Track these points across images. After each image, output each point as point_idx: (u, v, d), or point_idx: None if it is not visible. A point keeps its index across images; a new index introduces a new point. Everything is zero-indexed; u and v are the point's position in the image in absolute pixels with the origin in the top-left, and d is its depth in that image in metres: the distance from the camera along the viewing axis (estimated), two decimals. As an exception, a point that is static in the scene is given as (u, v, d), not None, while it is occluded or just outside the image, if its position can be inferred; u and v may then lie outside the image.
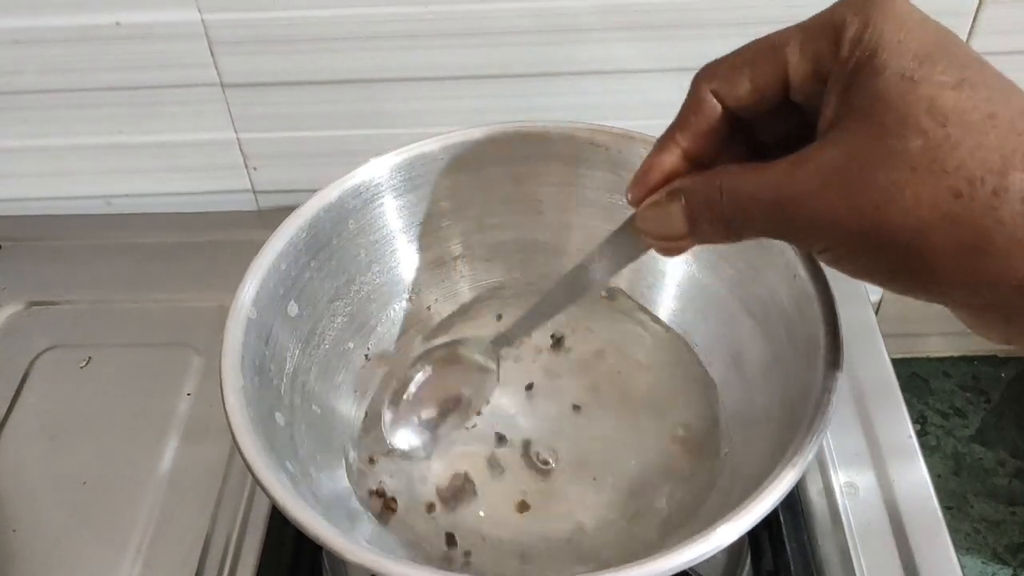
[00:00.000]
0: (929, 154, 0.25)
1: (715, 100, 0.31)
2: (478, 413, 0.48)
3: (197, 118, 0.65)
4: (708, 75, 0.31)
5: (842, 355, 0.37)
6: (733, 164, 0.30)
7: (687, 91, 0.32)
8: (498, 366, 0.46)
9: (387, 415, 0.46)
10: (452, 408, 0.47)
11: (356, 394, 0.48)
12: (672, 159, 0.32)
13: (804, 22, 0.29)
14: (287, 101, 0.63)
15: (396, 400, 0.46)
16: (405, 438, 0.46)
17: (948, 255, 0.26)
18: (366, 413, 0.48)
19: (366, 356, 0.49)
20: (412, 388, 0.47)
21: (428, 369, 0.47)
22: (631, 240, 0.35)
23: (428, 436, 0.46)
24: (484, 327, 0.52)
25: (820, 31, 0.29)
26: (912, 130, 0.26)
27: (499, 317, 0.52)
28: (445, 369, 0.47)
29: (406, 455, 0.46)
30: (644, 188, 0.33)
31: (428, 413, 0.47)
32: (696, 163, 0.32)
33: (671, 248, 0.33)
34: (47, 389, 0.58)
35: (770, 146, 0.33)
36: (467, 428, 0.47)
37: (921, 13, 0.28)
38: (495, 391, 0.47)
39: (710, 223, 0.30)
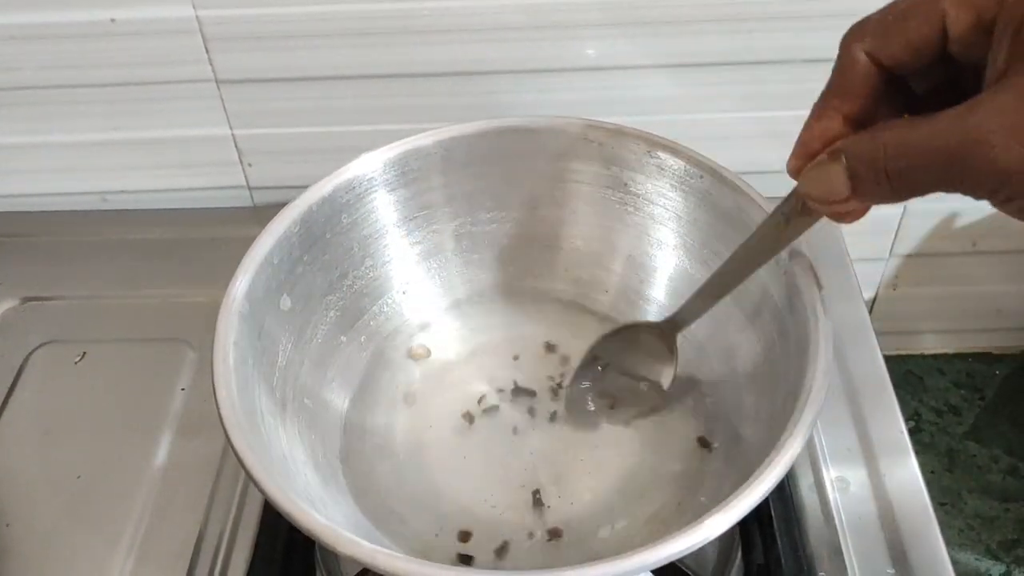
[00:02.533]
0: None
1: (868, 59, 0.30)
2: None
3: (192, 114, 0.65)
4: (858, 34, 0.31)
5: (832, 350, 0.37)
6: (896, 120, 0.30)
7: (836, 54, 0.31)
8: (676, 347, 0.46)
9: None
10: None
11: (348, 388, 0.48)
12: (831, 124, 0.31)
13: None
14: (282, 97, 0.63)
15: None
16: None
17: None
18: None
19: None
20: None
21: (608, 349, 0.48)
22: (798, 209, 0.35)
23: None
24: (479, 323, 0.52)
25: None
26: None
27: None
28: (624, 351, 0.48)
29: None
30: (805, 156, 0.32)
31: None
32: (856, 126, 0.31)
33: (840, 212, 0.33)
34: (42, 384, 0.57)
35: (926, 99, 0.32)
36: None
37: None
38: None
39: (874, 181, 0.29)
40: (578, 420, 0.47)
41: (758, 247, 0.39)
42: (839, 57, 0.31)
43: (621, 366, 0.48)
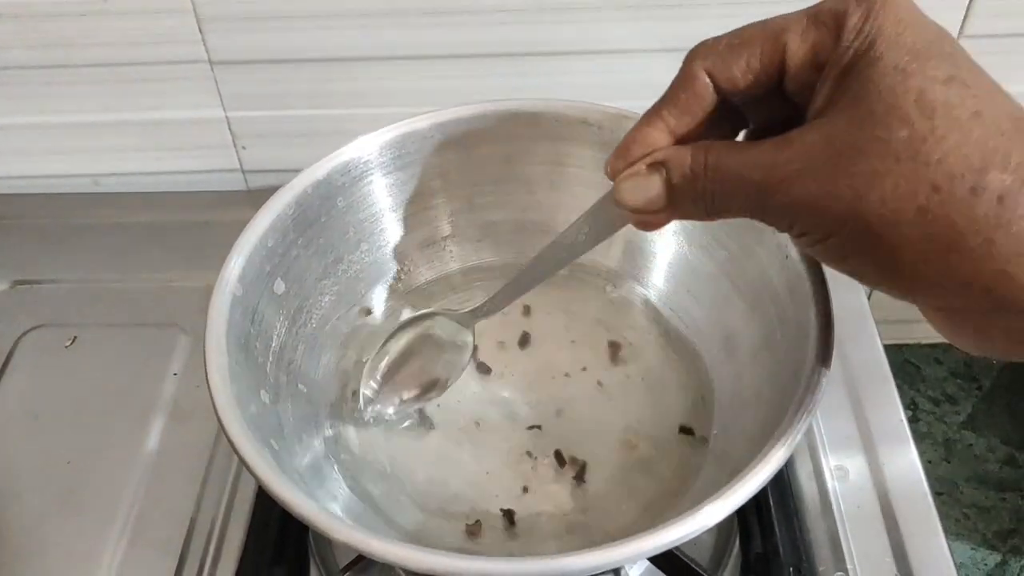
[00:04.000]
0: (913, 145, 0.25)
1: (707, 79, 0.30)
2: (437, 404, 0.47)
3: (185, 96, 0.64)
4: (703, 53, 0.31)
5: (833, 337, 0.37)
6: (720, 141, 0.30)
7: (680, 67, 0.31)
8: (474, 339, 0.46)
9: (364, 386, 0.46)
10: (426, 381, 0.46)
11: (342, 372, 0.48)
12: (657, 134, 0.31)
13: (807, 9, 0.29)
14: (277, 79, 0.63)
15: (372, 371, 0.46)
16: (379, 409, 0.46)
17: (921, 250, 0.26)
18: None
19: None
20: (386, 360, 0.46)
21: (403, 341, 0.47)
22: (611, 213, 0.35)
23: (401, 408, 0.46)
24: (473, 306, 0.51)
25: (823, 19, 0.28)
26: (899, 120, 0.26)
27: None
28: (421, 342, 0.47)
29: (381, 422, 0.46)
30: (625, 160, 0.32)
31: (403, 385, 0.46)
32: (680, 141, 0.32)
33: (648, 222, 0.33)
34: (32, 369, 0.57)
35: (755, 131, 0.32)
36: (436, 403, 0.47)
37: (921, 12, 0.28)
38: (467, 366, 0.47)
39: (691, 198, 0.30)
40: None
41: (563, 249, 0.39)
42: (680, 71, 0.31)
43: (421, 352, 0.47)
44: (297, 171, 0.45)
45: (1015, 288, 0.26)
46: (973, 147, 0.25)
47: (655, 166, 0.31)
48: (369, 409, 0.46)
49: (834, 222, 0.27)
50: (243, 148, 0.67)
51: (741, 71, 0.30)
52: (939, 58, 0.26)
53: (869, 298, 0.60)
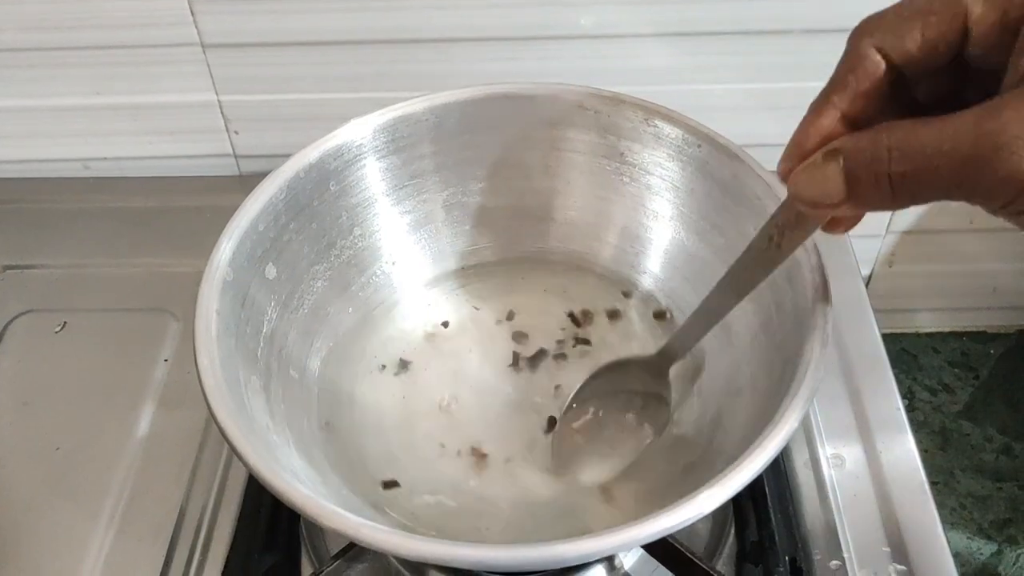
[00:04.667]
0: None
1: (879, 56, 0.28)
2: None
3: (177, 79, 0.63)
4: (870, 29, 0.29)
5: (830, 325, 0.36)
6: (900, 121, 0.27)
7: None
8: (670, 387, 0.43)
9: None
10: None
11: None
12: (830, 123, 0.29)
13: None
14: (270, 63, 0.62)
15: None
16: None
17: None
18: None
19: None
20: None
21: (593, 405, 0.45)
22: (794, 214, 0.32)
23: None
24: (470, 294, 0.51)
25: None
26: None
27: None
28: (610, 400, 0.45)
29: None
30: (799, 156, 0.29)
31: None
32: (856, 128, 0.29)
33: (833, 220, 0.31)
34: (21, 354, 0.57)
35: (928, 106, 0.30)
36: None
37: None
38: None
39: (874, 185, 0.27)
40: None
41: (752, 266, 0.36)
42: (846, 52, 0.29)
43: (610, 410, 0.45)
44: (290, 156, 0.45)
45: None
46: None
47: (831, 154, 0.28)
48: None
49: None
50: (235, 133, 0.67)
51: (916, 43, 0.28)
52: None
53: (867, 287, 0.60)
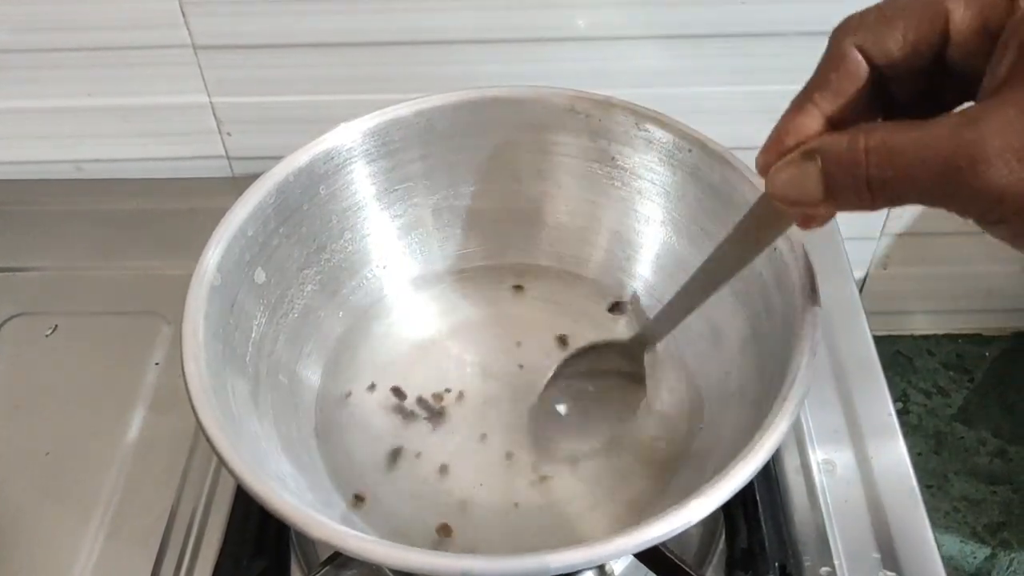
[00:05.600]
0: None
1: (860, 56, 0.28)
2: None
3: (169, 81, 0.63)
4: (851, 28, 0.28)
5: (819, 329, 0.36)
6: (879, 123, 0.28)
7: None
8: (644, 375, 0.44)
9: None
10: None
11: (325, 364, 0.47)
12: (809, 121, 0.29)
13: None
14: (262, 64, 0.62)
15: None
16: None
17: None
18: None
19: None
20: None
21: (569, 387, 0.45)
22: (770, 211, 0.32)
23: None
24: (460, 298, 0.51)
25: None
26: None
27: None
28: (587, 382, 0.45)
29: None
30: (777, 152, 0.30)
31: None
32: (836, 126, 0.29)
33: (807, 217, 0.31)
34: (11, 358, 0.56)
35: (907, 106, 0.30)
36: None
37: None
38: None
39: (852, 187, 0.27)
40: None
41: (727, 259, 0.36)
42: (828, 50, 0.29)
43: (586, 388, 0.45)
44: (283, 158, 0.44)
45: None
46: None
47: (809, 154, 0.28)
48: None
49: None
50: (228, 135, 0.66)
51: (897, 44, 0.28)
52: None
53: (861, 290, 0.59)
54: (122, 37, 0.60)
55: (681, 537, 0.46)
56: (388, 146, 0.47)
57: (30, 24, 0.60)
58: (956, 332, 0.83)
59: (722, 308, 0.44)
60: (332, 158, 0.46)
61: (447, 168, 0.49)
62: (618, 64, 0.61)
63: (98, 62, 0.62)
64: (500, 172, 0.49)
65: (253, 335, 0.42)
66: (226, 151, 0.67)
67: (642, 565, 0.43)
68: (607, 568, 0.44)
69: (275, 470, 0.38)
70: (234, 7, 0.58)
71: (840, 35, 0.29)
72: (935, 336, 0.83)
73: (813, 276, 0.38)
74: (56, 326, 0.58)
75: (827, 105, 0.29)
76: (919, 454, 0.78)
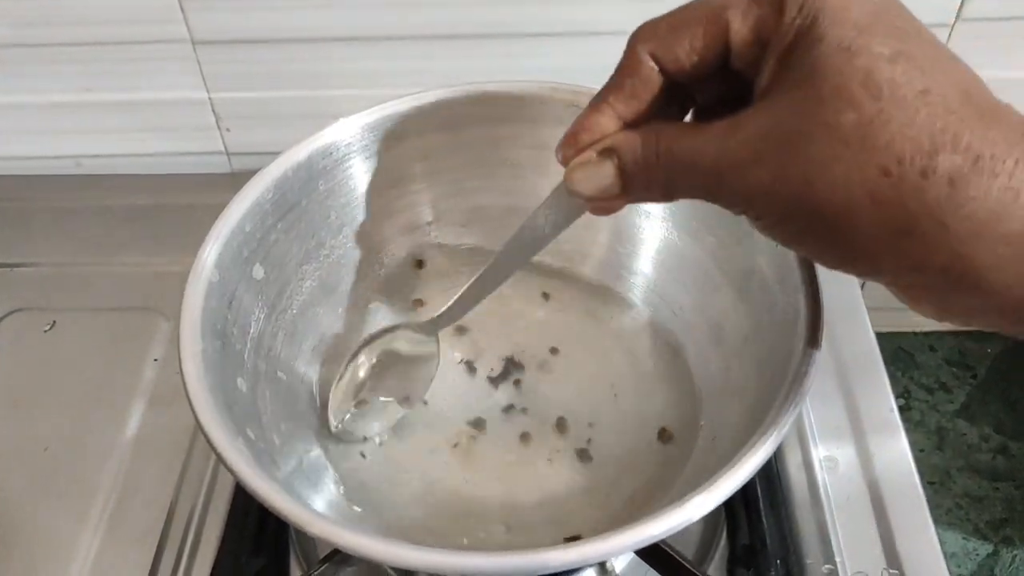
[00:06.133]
0: (861, 129, 0.25)
1: (652, 62, 0.29)
2: (424, 402, 0.46)
3: (167, 76, 0.63)
4: (645, 36, 0.30)
5: (822, 325, 0.36)
6: (669, 124, 0.29)
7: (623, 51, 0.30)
8: (438, 347, 0.45)
9: (333, 413, 0.45)
10: (399, 398, 0.46)
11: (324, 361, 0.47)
12: (605, 120, 0.31)
13: None
14: (261, 60, 0.62)
15: (341, 396, 0.45)
16: (352, 433, 0.45)
17: (873, 235, 0.25)
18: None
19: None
20: (352, 382, 0.45)
21: (366, 359, 0.46)
22: (568, 200, 0.34)
23: (374, 422, 0.45)
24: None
25: None
26: (846, 103, 0.25)
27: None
28: (385, 358, 0.46)
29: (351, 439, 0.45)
30: (574, 148, 0.31)
31: (373, 406, 0.45)
32: (630, 124, 0.31)
33: (603, 208, 0.32)
34: (10, 354, 0.56)
35: (706, 108, 0.32)
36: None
37: None
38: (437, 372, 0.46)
39: (645, 184, 0.30)
40: None
41: (522, 247, 0.37)
42: (624, 55, 0.30)
43: (385, 365, 0.46)
44: (279, 155, 0.44)
45: (970, 269, 0.25)
46: (921, 128, 0.24)
47: (606, 152, 0.30)
48: (343, 433, 0.45)
49: (786, 208, 0.26)
50: (227, 130, 0.66)
51: (685, 52, 0.29)
52: (885, 33, 0.25)
53: (863, 286, 0.59)
54: (121, 32, 0.60)
55: (682, 534, 0.45)
56: (388, 141, 0.47)
57: (29, 19, 0.60)
58: (958, 328, 0.83)
59: (723, 303, 0.44)
60: (331, 153, 0.45)
61: (447, 163, 0.49)
62: (616, 59, 0.61)
63: (97, 57, 0.61)
64: (499, 167, 0.49)
65: (251, 331, 0.42)
66: (225, 147, 0.67)
67: (643, 562, 0.43)
68: (608, 565, 0.44)
69: (273, 466, 0.38)
70: (232, 2, 0.58)
71: (635, 42, 0.30)
72: (937, 332, 0.83)
73: (815, 272, 0.37)
74: (54, 322, 0.58)
75: (622, 107, 0.30)
76: (921, 451, 0.78)
